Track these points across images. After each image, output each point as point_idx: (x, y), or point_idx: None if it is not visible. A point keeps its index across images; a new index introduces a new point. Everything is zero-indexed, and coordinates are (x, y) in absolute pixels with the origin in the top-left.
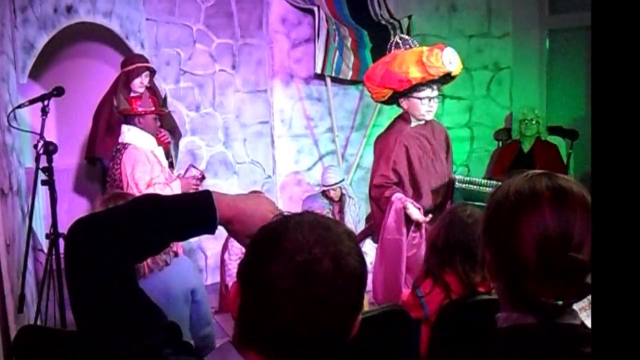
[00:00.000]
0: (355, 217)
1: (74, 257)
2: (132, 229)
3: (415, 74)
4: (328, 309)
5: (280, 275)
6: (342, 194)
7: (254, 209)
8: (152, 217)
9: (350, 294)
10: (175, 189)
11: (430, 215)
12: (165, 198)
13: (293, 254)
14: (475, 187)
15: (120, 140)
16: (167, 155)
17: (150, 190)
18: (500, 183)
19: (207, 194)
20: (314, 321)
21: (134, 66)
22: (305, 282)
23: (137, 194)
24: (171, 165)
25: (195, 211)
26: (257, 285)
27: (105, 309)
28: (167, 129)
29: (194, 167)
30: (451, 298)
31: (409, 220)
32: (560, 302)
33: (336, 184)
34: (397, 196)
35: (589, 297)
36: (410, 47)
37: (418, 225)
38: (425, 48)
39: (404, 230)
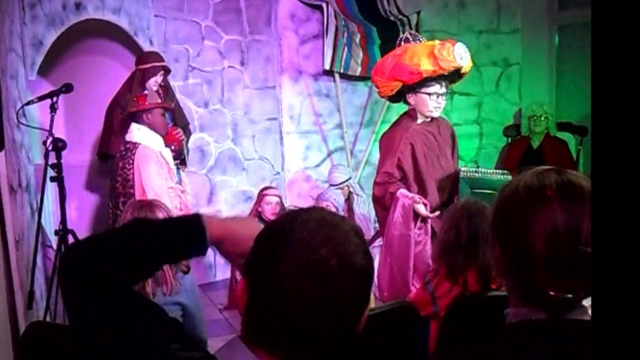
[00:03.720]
0: (366, 215)
1: (70, 282)
2: (125, 255)
3: (426, 66)
4: (335, 307)
5: (288, 275)
6: (350, 192)
7: (244, 229)
8: (143, 242)
9: (357, 291)
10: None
11: (437, 212)
12: (156, 222)
13: (300, 254)
14: (480, 174)
15: (128, 138)
16: (180, 153)
17: (166, 197)
18: (504, 172)
19: (197, 216)
20: (321, 319)
21: (150, 65)
22: (312, 281)
23: (155, 198)
24: (183, 163)
25: (185, 233)
26: (263, 284)
27: (104, 324)
28: (180, 126)
29: None
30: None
31: (414, 217)
32: (570, 296)
33: (342, 182)
34: (402, 192)
35: None
36: (420, 42)
37: (423, 221)
38: (437, 42)
39: (412, 225)
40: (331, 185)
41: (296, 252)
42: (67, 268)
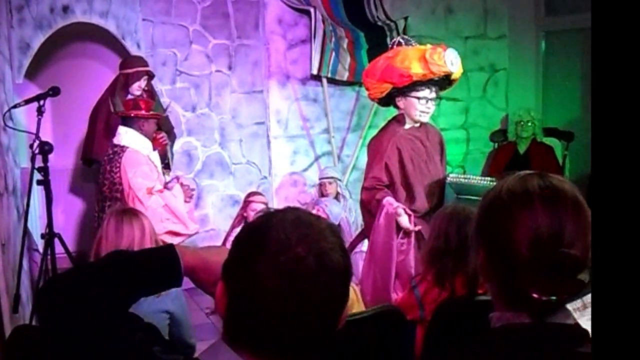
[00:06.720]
0: (350, 219)
1: (46, 317)
2: (102, 291)
3: (417, 69)
4: (314, 306)
5: (265, 275)
6: (338, 193)
7: (217, 257)
8: (120, 277)
9: (335, 289)
10: (177, 194)
11: (419, 227)
12: (131, 255)
13: (277, 254)
14: (466, 180)
15: (116, 141)
16: (164, 157)
17: (151, 198)
18: (493, 179)
19: (170, 247)
20: (300, 318)
21: (133, 70)
22: (290, 281)
23: (138, 203)
24: (167, 167)
25: (161, 266)
26: (242, 285)
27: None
28: (164, 130)
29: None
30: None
31: (398, 226)
32: (554, 299)
33: (332, 177)
34: (388, 200)
35: (584, 298)
36: (413, 46)
37: (407, 231)
38: (429, 46)
39: (395, 234)
40: (321, 178)
41: (272, 252)
42: (44, 304)
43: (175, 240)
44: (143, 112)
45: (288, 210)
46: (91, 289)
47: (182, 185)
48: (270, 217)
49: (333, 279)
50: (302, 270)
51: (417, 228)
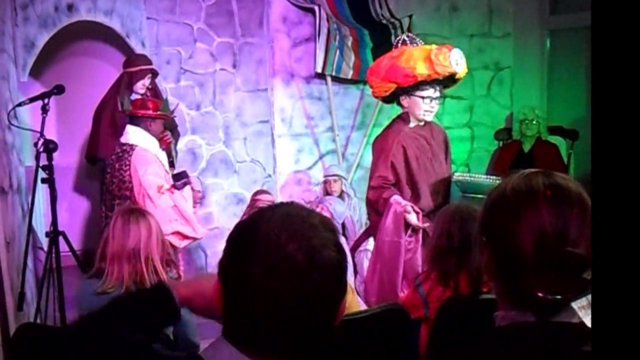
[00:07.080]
0: (354, 218)
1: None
2: (105, 339)
3: (421, 70)
4: (307, 304)
5: (256, 275)
6: (342, 191)
7: (211, 283)
8: (119, 325)
9: (328, 286)
10: (187, 196)
11: (428, 224)
12: (126, 301)
13: (267, 253)
14: (472, 179)
15: (124, 140)
16: (169, 155)
17: (161, 197)
18: (499, 177)
19: (162, 285)
20: (294, 316)
21: (137, 68)
22: (281, 280)
23: (148, 201)
24: (172, 165)
25: (157, 306)
26: (235, 285)
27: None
28: (168, 129)
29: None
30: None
31: (406, 225)
32: (558, 298)
33: (337, 175)
34: (396, 198)
35: (588, 296)
36: (417, 45)
37: (414, 229)
38: (434, 46)
39: (403, 232)
40: (326, 176)
41: (263, 251)
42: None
43: (182, 243)
44: (151, 112)
45: (279, 206)
46: (95, 339)
47: (192, 189)
48: (260, 214)
49: (325, 276)
50: (293, 269)
51: (425, 225)
